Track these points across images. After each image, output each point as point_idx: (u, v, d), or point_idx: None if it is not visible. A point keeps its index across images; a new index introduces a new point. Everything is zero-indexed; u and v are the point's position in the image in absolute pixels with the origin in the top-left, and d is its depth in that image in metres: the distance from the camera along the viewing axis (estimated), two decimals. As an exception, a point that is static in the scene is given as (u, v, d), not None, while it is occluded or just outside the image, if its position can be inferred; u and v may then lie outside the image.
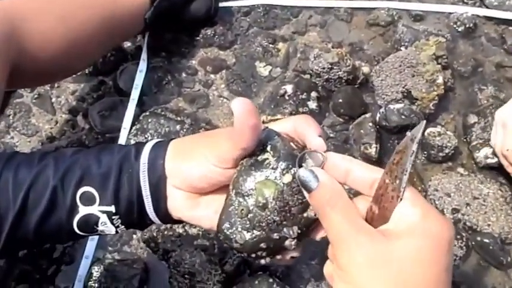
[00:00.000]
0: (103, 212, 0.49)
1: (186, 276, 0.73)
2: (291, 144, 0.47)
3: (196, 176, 0.48)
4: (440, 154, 0.85)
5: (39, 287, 0.76)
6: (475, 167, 0.87)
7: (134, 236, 0.80)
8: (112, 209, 0.49)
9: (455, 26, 1.01)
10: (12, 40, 0.66)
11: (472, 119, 0.90)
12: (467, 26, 1.00)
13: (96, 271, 0.75)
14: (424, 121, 0.44)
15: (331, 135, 0.88)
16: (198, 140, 0.50)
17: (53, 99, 0.94)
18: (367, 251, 0.39)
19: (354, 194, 0.46)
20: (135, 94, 0.91)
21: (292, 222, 0.45)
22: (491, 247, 0.79)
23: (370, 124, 0.87)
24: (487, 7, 1.03)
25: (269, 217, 0.45)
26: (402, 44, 0.97)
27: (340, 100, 0.90)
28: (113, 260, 0.77)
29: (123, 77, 0.94)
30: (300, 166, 0.44)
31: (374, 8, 1.03)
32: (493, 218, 0.81)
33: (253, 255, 0.46)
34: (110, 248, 0.79)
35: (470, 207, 0.82)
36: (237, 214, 0.45)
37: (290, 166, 0.45)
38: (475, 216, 0.81)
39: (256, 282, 0.72)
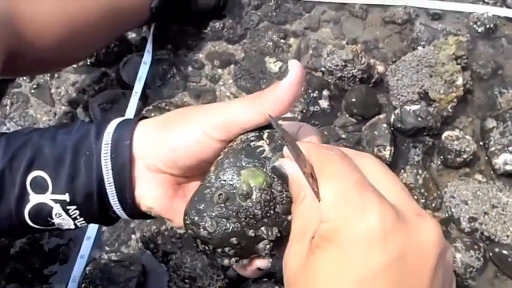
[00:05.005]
0: (56, 201, 0.42)
1: (187, 280, 0.69)
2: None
3: (183, 148, 0.41)
4: (458, 159, 0.81)
5: (31, 287, 0.73)
6: (493, 174, 0.83)
7: (133, 236, 0.76)
8: (66, 197, 0.42)
9: (475, 26, 0.97)
10: (9, 24, 0.62)
11: (491, 123, 0.86)
12: (487, 26, 0.96)
13: (91, 272, 0.71)
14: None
15: (343, 136, 0.84)
16: (187, 110, 0.43)
17: (53, 90, 0.90)
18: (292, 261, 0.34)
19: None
20: (138, 87, 0.87)
21: (274, 222, 0.39)
22: (510, 259, 0.75)
23: (385, 125, 0.82)
24: (508, 7, 0.99)
25: (250, 209, 0.39)
26: (419, 43, 0.93)
27: (354, 99, 0.85)
28: (110, 260, 0.73)
29: (127, 68, 0.90)
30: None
31: (390, 5, 0.99)
32: (513, 229, 0.77)
33: (219, 250, 0.40)
34: (106, 248, 0.75)
35: (489, 216, 0.77)
36: (214, 198, 0.39)
37: None
38: (493, 225, 0.77)
39: (261, 289, 0.68)
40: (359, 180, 0.33)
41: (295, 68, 0.38)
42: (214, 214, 0.39)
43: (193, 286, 0.68)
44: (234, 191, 0.39)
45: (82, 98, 0.89)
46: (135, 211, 0.44)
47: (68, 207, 0.43)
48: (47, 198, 0.42)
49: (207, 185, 0.40)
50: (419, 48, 0.91)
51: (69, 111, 0.88)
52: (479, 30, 0.96)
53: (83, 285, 0.71)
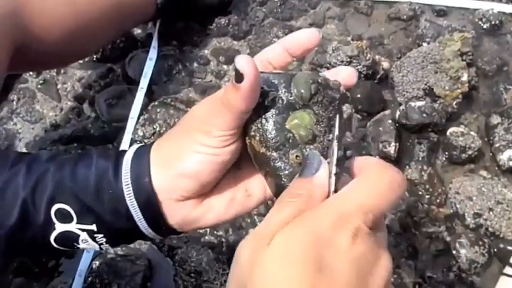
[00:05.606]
0: (83, 230, 0.43)
1: (192, 274, 0.69)
2: (273, 70, 0.42)
3: (202, 169, 0.41)
4: (463, 155, 0.81)
5: (37, 281, 0.73)
6: (498, 170, 0.83)
7: (139, 230, 0.77)
8: (93, 227, 0.43)
9: (480, 22, 0.96)
10: (15, 20, 0.63)
11: (495, 119, 0.86)
12: (492, 23, 0.96)
13: (98, 266, 0.72)
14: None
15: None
16: (182, 134, 0.43)
17: (59, 86, 0.90)
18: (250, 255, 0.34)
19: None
20: (144, 83, 0.87)
21: (344, 130, 0.40)
22: (514, 255, 0.75)
23: (390, 121, 0.83)
24: (514, 4, 0.99)
25: (323, 143, 0.40)
26: (424, 39, 0.93)
27: (359, 95, 0.86)
28: (116, 255, 0.74)
29: (132, 64, 0.90)
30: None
31: (395, 2, 0.99)
32: (518, 225, 0.77)
33: None
34: (112, 242, 0.76)
35: (493, 212, 0.77)
36: (293, 163, 0.40)
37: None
38: (498, 221, 0.77)
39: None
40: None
41: (246, 65, 0.37)
42: None
43: (198, 280, 0.69)
44: (300, 144, 0.40)
45: (88, 93, 0.89)
46: (173, 233, 0.45)
47: (95, 235, 0.44)
48: (73, 227, 0.43)
49: (275, 162, 0.40)
50: (425, 44, 0.91)
51: (75, 106, 0.88)
52: (485, 26, 0.96)
53: (89, 279, 0.71)
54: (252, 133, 0.41)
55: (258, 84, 0.38)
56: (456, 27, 0.94)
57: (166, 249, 0.74)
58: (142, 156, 0.43)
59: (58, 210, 0.43)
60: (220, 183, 0.44)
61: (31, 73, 0.91)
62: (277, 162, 0.40)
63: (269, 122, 0.40)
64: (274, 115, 0.40)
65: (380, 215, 0.36)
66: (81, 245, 0.45)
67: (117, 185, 0.42)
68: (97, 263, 0.72)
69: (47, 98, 0.89)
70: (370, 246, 0.34)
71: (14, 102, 0.88)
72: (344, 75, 0.43)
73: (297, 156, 0.40)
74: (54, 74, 0.91)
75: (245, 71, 0.36)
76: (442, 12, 0.98)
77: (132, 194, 0.42)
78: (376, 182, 0.36)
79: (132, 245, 0.75)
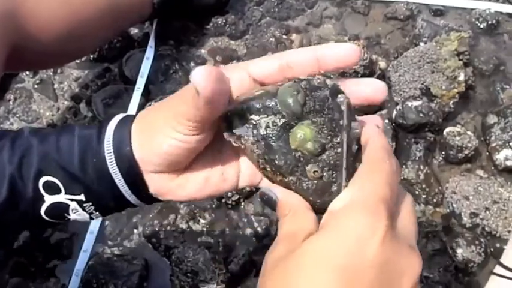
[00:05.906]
0: (72, 200, 0.44)
1: (189, 274, 0.69)
2: (254, 92, 0.39)
3: (171, 150, 0.40)
4: (460, 155, 0.81)
5: (34, 281, 0.73)
6: (495, 170, 0.83)
7: (135, 230, 0.77)
8: (81, 197, 0.44)
9: (477, 22, 0.97)
10: (12, 19, 0.63)
11: (492, 119, 0.86)
12: (489, 22, 0.96)
13: (94, 266, 0.72)
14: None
15: (345, 131, 0.84)
16: (162, 107, 0.42)
17: (56, 85, 0.90)
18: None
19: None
20: (140, 83, 0.87)
21: (349, 121, 0.39)
22: (511, 254, 0.75)
23: (386, 121, 0.83)
24: (511, 3, 0.99)
25: (334, 148, 0.39)
26: (421, 39, 0.93)
27: (355, 95, 0.86)
28: (112, 254, 0.74)
29: (129, 64, 0.90)
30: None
31: (392, 1, 0.99)
32: (514, 224, 0.77)
33: None
34: (109, 242, 0.76)
35: (490, 211, 0.77)
36: (313, 181, 0.39)
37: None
38: (494, 221, 0.77)
39: (263, 283, 0.68)
40: (386, 196, 0.36)
41: (201, 80, 0.34)
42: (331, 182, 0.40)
43: (195, 280, 0.69)
44: (312, 158, 0.39)
45: (85, 93, 0.89)
46: (155, 201, 0.45)
47: (84, 204, 0.44)
48: (62, 198, 0.44)
49: (295, 185, 0.40)
50: (421, 44, 0.91)
51: (72, 106, 0.88)
52: (482, 26, 0.96)
53: (85, 279, 0.71)
54: (262, 166, 0.40)
55: (215, 97, 0.36)
56: (453, 26, 0.94)
57: (163, 249, 0.74)
58: (125, 125, 0.43)
59: (46, 183, 0.43)
60: (198, 162, 0.43)
61: (27, 73, 0.91)
62: (298, 184, 0.39)
63: (273, 151, 0.39)
64: (274, 141, 0.39)
65: (396, 199, 0.37)
66: (72, 216, 0.45)
67: (100, 152, 0.42)
68: (93, 262, 0.72)
69: (43, 98, 0.89)
70: (399, 248, 0.35)
71: (11, 102, 0.88)
72: (368, 91, 0.42)
73: (314, 171, 0.39)
74: (51, 73, 0.91)
75: (199, 86, 0.35)
76: (439, 11, 0.98)
77: (114, 161, 0.42)
78: (381, 168, 0.37)
79: (128, 245, 0.76)
